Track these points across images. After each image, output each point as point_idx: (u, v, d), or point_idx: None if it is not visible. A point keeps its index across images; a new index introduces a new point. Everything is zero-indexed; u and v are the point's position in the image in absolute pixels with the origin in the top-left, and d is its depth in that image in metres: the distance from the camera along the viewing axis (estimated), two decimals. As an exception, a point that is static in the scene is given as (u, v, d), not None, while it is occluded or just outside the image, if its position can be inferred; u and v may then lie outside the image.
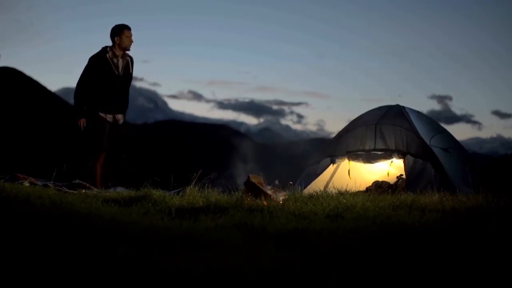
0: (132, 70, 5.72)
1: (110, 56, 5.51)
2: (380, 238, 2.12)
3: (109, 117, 5.47)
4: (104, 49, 5.59)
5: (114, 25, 5.76)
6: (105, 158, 5.46)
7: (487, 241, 2.04)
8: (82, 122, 5.44)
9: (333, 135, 6.41)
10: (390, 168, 5.62)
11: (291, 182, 3.97)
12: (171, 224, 2.45)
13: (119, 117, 5.57)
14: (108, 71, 5.48)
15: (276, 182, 3.79)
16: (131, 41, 5.60)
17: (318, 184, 5.70)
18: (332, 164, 5.86)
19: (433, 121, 6.04)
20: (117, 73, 5.50)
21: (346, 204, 3.27)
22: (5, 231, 1.93)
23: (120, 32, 5.52)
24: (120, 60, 5.56)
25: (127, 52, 5.61)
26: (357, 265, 1.69)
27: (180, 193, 4.01)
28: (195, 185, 4.04)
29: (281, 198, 3.52)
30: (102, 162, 5.44)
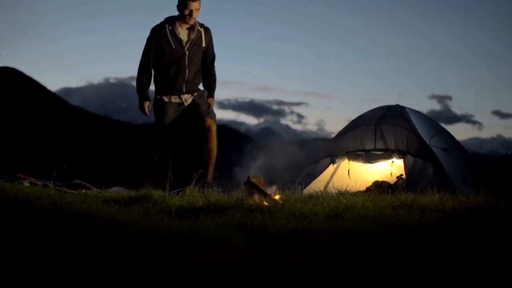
0: (208, 44, 4.84)
1: (170, 27, 4.71)
2: (380, 238, 2.12)
3: (174, 98, 4.73)
4: (167, 19, 4.81)
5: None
6: (172, 151, 4.72)
7: (487, 241, 2.04)
8: (147, 105, 4.76)
9: (333, 135, 6.41)
10: (392, 168, 5.62)
11: (275, 186, 3.84)
12: (171, 224, 2.45)
13: (186, 97, 4.75)
14: (167, 43, 4.69)
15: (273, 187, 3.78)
16: (190, 13, 4.63)
17: (318, 184, 5.70)
18: (332, 164, 5.86)
19: (433, 121, 6.05)
20: (178, 46, 4.68)
21: (346, 204, 3.27)
22: (5, 231, 1.93)
23: (179, 4, 4.69)
24: (185, 31, 4.73)
25: (200, 23, 4.80)
26: (357, 265, 1.69)
27: (180, 193, 4.01)
28: (195, 185, 4.04)
29: (273, 193, 3.54)
30: (168, 154, 4.70)
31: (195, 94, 4.78)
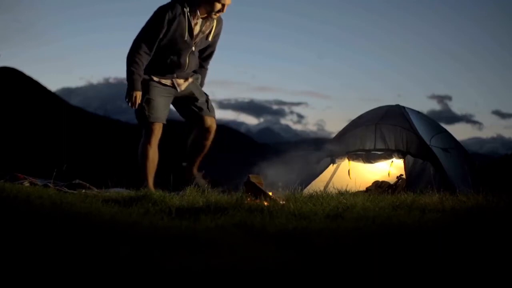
0: (215, 37, 4.25)
1: (189, 14, 3.98)
2: (380, 238, 2.12)
3: (166, 81, 4.14)
4: (181, 2, 4.00)
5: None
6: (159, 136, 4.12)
7: (487, 241, 2.04)
8: (137, 96, 3.98)
9: (333, 135, 6.42)
10: (391, 168, 5.63)
11: (271, 193, 3.66)
12: (171, 224, 2.45)
13: (180, 82, 4.17)
14: (180, 32, 4.00)
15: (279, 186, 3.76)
16: (222, 8, 3.99)
17: (318, 184, 5.70)
18: (332, 164, 5.86)
19: (433, 121, 6.05)
20: (188, 39, 4.03)
21: (346, 204, 3.27)
22: (5, 231, 1.93)
23: None
24: (200, 22, 4.07)
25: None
26: (357, 265, 1.69)
27: (180, 193, 4.01)
28: (195, 185, 4.04)
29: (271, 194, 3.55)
30: (156, 140, 4.11)
31: (190, 79, 4.26)
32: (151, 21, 4.03)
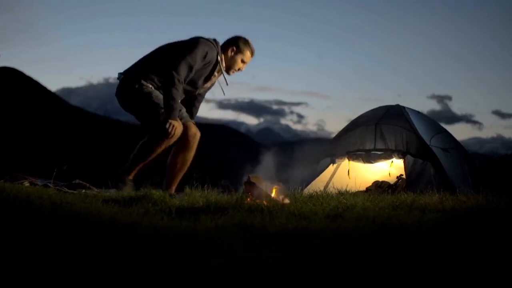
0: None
1: (219, 65, 4.06)
2: (380, 238, 2.12)
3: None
4: (217, 46, 4.05)
5: (234, 36, 4.14)
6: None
7: (487, 241, 2.04)
8: (177, 126, 3.92)
9: (333, 135, 6.43)
10: (391, 168, 5.63)
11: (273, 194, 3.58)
12: (171, 224, 2.45)
13: None
14: (199, 74, 4.03)
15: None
16: (241, 68, 4.13)
17: (318, 184, 5.71)
18: (332, 164, 5.87)
19: (433, 121, 6.06)
20: (201, 83, 4.09)
21: (346, 204, 3.27)
22: (5, 231, 1.93)
23: (240, 48, 4.10)
24: (217, 74, 4.15)
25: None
26: (357, 265, 1.69)
27: (180, 193, 4.00)
28: (195, 185, 4.04)
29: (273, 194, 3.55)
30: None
31: None
32: (196, 54, 3.93)
